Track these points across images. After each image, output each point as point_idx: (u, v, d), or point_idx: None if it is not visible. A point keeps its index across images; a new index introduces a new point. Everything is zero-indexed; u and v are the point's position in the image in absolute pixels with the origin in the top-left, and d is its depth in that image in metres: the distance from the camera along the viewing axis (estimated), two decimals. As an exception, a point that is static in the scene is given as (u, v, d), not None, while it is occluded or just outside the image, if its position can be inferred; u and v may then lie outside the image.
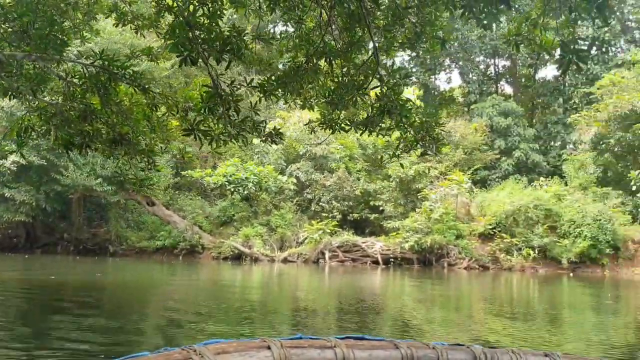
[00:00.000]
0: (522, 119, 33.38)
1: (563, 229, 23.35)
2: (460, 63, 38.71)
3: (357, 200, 26.52)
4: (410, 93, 30.85)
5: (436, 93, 39.20)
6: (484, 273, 22.36)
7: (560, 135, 34.04)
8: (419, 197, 24.81)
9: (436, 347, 2.46)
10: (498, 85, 41.63)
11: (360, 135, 6.99)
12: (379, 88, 6.15)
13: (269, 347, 2.00)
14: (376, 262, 23.27)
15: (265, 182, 26.06)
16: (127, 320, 8.97)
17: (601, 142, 27.10)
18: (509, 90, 41.91)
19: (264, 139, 6.59)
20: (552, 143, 34.89)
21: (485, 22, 5.81)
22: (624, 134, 26.09)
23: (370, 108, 6.34)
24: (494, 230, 23.64)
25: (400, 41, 6.77)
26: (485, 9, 5.79)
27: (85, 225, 28.61)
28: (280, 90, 6.93)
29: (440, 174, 26.24)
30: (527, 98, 41.06)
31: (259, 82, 6.82)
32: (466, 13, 5.82)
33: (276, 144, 6.94)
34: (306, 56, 6.89)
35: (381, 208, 25.81)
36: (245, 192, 25.81)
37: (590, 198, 24.96)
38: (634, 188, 25.03)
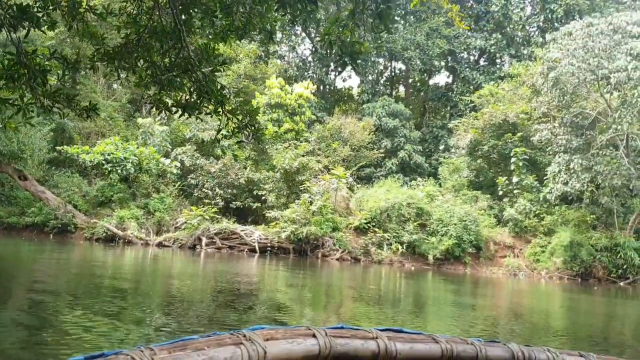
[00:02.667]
0: (409, 122, 34.81)
1: (432, 227, 24.71)
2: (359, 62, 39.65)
3: (242, 189, 26.59)
4: (305, 87, 31.34)
5: (330, 89, 39.95)
6: (355, 265, 23.23)
7: (444, 140, 35.86)
8: (301, 189, 25.26)
9: (474, 343, 2.42)
10: (393, 87, 43.13)
11: (179, 117, 7.05)
12: (199, 72, 6.28)
13: (314, 335, 2.02)
14: (253, 251, 23.47)
15: (147, 163, 25.47)
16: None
17: (476, 148, 28.87)
18: (403, 93, 43.55)
19: (78, 113, 6.52)
20: (436, 146, 36.69)
21: (298, 19, 6.10)
22: (496, 142, 27.96)
23: (188, 92, 6.44)
24: (369, 224, 24.57)
25: (229, 30, 6.92)
26: (299, 6, 6.08)
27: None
28: (108, 65, 6.92)
29: (325, 168, 26.88)
30: (419, 102, 42.91)
31: (90, 54, 6.77)
32: (280, 9, 6.08)
33: (91, 119, 6.86)
34: (137, 34, 6.92)
35: (264, 198, 26.06)
36: (124, 173, 25.09)
37: (461, 200, 26.57)
38: (500, 193, 26.93)
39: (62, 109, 6.49)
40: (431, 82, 42.85)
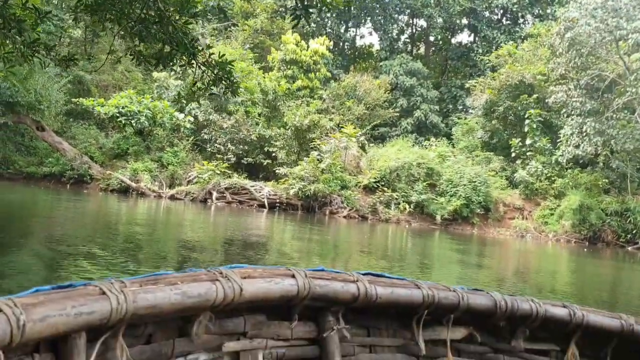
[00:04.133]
0: (427, 81, 34.39)
1: (441, 187, 24.73)
2: (379, 18, 38.98)
3: (253, 145, 26.84)
4: (320, 43, 31.07)
5: (347, 46, 39.49)
6: (362, 222, 23.49)
7: (462, 100, 35.41)
8: (311, 146, 25.40)
9: (457, 290, 2.40)
10: (414, 45, 42.44)
11: (155, 69, 7.19)
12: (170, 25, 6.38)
13: (293, 276, 1.97)
14: (262, 206, 23.85)
15: (160, 117, 25.81)
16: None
17: (491, 109, 28.51)
18: (423, 51, 42.84)
19: (57, 63, 6.71)
20: (454, 106, 36.27)
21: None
22: (512, 103, 27.55)
23: (162, 43, 6.56)
24: (378, 184, 24.70)
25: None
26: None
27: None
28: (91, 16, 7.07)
29: (337, 127, 26.89)
30: (440, 60, 42.22)
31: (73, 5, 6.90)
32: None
33: (68, 68, 7.05)
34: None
35: (274, 154, 26.28)
36: (138, 126, 25.49)
37: (473, 161, 26.43)
38: (513, 155, 26.71)
39: (42, 59, 6.67)
40: (453, 40, 42.03)
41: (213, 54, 6.63)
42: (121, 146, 26.35)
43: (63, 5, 17.71)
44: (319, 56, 30.63)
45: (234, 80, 6.94)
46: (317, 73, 30.59)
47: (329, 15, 37.27)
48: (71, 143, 26.27)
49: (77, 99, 26.10)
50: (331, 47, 32.66)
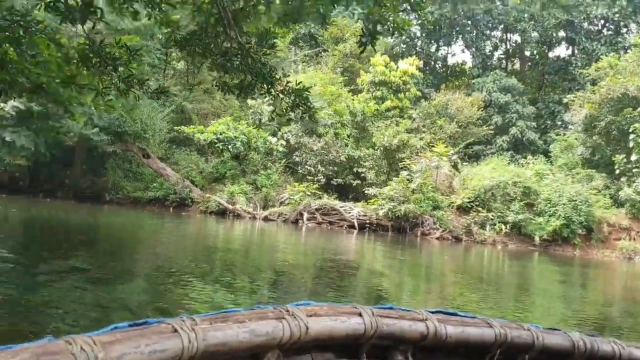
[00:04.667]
0: (522, 97, 33.30)
1: (539, 207, 23.72)
2: (471, 35, 38.35)
3: (342, 166, 27.17)
4: (410, 63, 31.08)
5: (439, 65, 39.07)
6: (456, 244, 22.98)
7: (560, 115, 33.91)
8: (400, 166, 25.32)
9: (531, 329, 2.31)
10: (508, 61, 41.28)
11: (237, 98, 7.60)
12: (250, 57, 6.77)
13: (360, 314, 1.97)
14: (352, 227, 24.01)
15: (255, 142, 26.84)
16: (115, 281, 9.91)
17: (592, 124, 27.08)
18: (518, 66, 41.53)
19: (150, 96, 7.29)
20: (553, 122, 34.77)
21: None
22: (614, 117, 26.04)
23: (244, 74, 6.96)
24: (472, 203, 24.10)
25: (285, 14, 7.32)
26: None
27: (87, 173, 29.86)
28: (180, 51, 7.66)
29: (427, 145, 26.65)
30: (536, 75, 40.75)
31: (162, 42, 7.51)
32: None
33: (159, 99, 7.62)
34: (205, 21, 7.55)
35: (363, 175, 26.44)
36: (235, 151, 26.66)
37: (573, 179, 25.17)
38: (617, 172, 25.15)
39: (136, 92, 7.28)
40: (550, 54, 40.42)
41: (290, 82, 6.92)
42: (219, 170, 27.64)
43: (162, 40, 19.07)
44: (409, 76, 30.61)
45: (311, 106, 7.20)
46: (407, 93, 30.55)
47: (418, 35, 37.22)
48: (174, 168, 27.90)
49: (179, 127, 27.75)
50: (421, 66, 32.53)
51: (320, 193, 25.42)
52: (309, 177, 26.58)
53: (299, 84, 7.07)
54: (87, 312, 7.76)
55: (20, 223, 18.57)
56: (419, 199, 23.63)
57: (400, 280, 13.53)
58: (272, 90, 6.99)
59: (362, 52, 5.66)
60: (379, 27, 6.34)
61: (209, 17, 7.50)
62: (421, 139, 26.70)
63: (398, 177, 24.59)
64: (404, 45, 36.27)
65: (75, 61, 6.77)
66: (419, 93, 31.80)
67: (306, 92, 7.08)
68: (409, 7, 6.35)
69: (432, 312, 2.18)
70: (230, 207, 25.34)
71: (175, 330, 1.52)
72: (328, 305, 1.97)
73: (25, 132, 25.62)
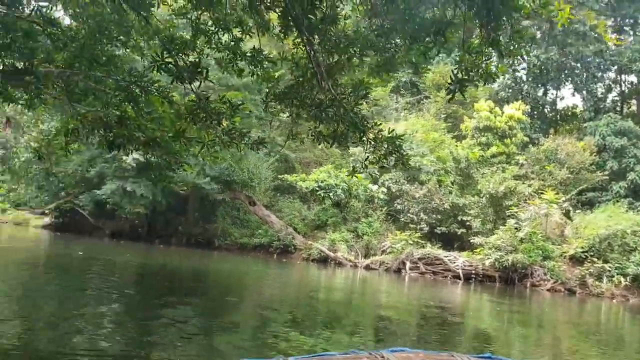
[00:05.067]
0: (640, 140, 31.12)
1: (664, 258, 21.72)
2: (581, 77, 36.71)
3: (446, 214, 26.58)
4: (516, 108, 30.28)
5: (547, 109, 37.58)
6: (569, 297, 21.52)
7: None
8: (508, 214, 24.35)
9: None
10: (624, 103, 38.92)
11: (331, 146, 7.81)
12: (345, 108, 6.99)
13: None
14: (457, 277, 23.26)
15: (355, 189, 27.07)
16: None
17: None
18: (635, 108, 38.98)
19: (250, 147, 7.69)
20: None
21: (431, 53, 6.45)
22: None
23: (336, 123, 7.17)
24: (586, 253, 22.54)
25: (378, 65, 7.52)
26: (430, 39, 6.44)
27: (200, 220, 31.46)
28: (278, 103, 8.10)
29: (536, 192, 25.50)
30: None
31: (262, 97, 7.96)
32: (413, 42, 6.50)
33: (260, 151, 7.98)
34: (302, 75, 7.94)
35: (469, 223, 25.68)
36: (336, 198, 27.02)
37: None
38: None
39: (237, 144, 7.72)
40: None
41: (382, 130, 7.03)
42: (321, 218, 28.07)
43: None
44: (515, 121, 29.75)
45: (404, 154, 7.24)
46: (514, 138, 29.64)
47: (524, 79, 36.24)
48: (278, 215, 28.72)
49: (283, 175, 28.68)
50: (528, 111, 31.53)
51: (423, 242, 24.96)
52: (412, 226, 26.24)
53: (391, 131, 7.16)
54: (183, 341, 8.19)
55: (138, 269, 19.88)
56: (528, 249, 22.51)
57: (508, 332, 12.88)
58: (365, 139, 7.13)
59: (450, 99, 5.66)
60: (471, 74, 6.34)
61: (305, 71, 7.86)
62: (529, 185, 25.63)
63: (505, 225, 23.63)
64: (510, 90, 35.38)
65: (185, 116, 7.31)
66: (526, 138, 30.74)
67: (399, 140, 7.14)
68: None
69: None
70: (331, 254, 25.53)
71: None
72: (423, 352, 1.95)
73: (144, 182, 27.65)
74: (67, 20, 9.68)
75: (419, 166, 27.68)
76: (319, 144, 8.01)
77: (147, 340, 8.43)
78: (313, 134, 7.94)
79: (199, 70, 6.49)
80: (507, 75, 34.71)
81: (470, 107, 32.87)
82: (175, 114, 8.70)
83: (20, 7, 7.72)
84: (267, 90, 8.10)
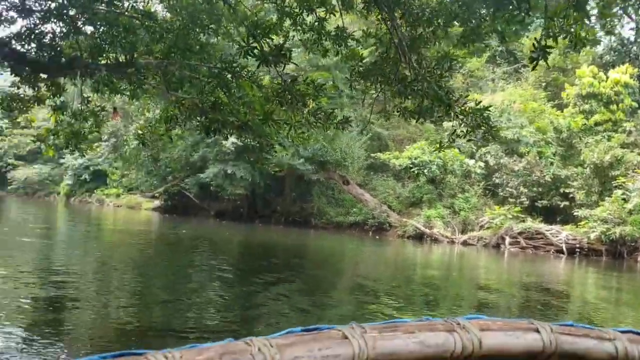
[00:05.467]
0: None
1: None
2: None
3: (547, 187, 25.47)
4: (622, 72, 28.35)
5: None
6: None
7: None
8: (614, 185, 22.97)
9: None
10: None
11: (417, 122, 7.80)
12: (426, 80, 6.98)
13: (537, 330, 1.80)
14: (560, 252, 22.36)
15: (451, 165, 26.61)
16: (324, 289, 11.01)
17: None
18: None
19: (336, 126, 7.87)
20: None
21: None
22: None
23: (421, 98, 7.17)
24: None
25: (462, 36, 7.42)
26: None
27: (297, 200, 32.32)
28: (362, 81, 8.23)
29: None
30: None
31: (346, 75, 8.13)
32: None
33: (350, 130, 8.13)
34: (385, 51, 8.00)
35: (571, 195, 24.49)
36: (430, 175, 26.72)
37: None
38: None
39: (324, 124, 7.93)
40: None
41: (467, 103, 6.95)
42: (415, 195, 27.91)
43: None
44: (622, 86, 27.79)
45: (492, 125, 7.12)
46: (620, 104, 27.74)
47: (632, 40, 33.66)
48: (372, 194, 28.88)
49: (376, 154, 28.72)
50: (637, 74, 29.30)
51: (523, 216, 24.16)
52: (511, 200, 25.45)
53: (478, 103, 7.06)
54: (287, 315, 8.61)
55: (240, 246, 20.91)
56: (637, 220, 21.17)
57: (617, 306, 12.32)
58: (451, 112, 7.07)
59: (533, 68, 5.50)
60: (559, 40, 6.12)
61: (388, 47, 7.91)
62: (639, 154, 23.98)
63: (611, 196, 22.34)
64: (615, 53, 32.97)
65: (272, 99, 7.62)
66: (634, 104, 28.65)
67: (487, 112, 7.03)
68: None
69: (622, 332, 1.85)
70: (427, 231, 25.37)
71: (346, 337, 1.50)
72: (502, 320, 1.77)
73: (243, 165, 28.81)
74: (161, 13, 10.29)
75: (517, 138, 26.71)
76: (405, 120, 8.04)
77: (251, 313, 8.96)
78: (398, 109, 7.99)
79: (283, 53, 6.74)
80: (611, 37, 32.35)
81: (572, 73, 31.08)
82: (265, 97, 9.05)
83: (120, 3, 8.32)
84: (352, 68, 8.22)
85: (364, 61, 8.71)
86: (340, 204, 30.71)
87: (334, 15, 8.49)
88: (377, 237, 26.54)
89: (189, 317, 8.40)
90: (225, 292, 10.79)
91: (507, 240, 23.42)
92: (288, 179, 31.45)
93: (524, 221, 23.83)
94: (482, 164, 26.95)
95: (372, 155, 29.11)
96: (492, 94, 31.02)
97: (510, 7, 6.26)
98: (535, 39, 5.28)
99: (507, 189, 25.98)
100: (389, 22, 7.42)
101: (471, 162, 27.02)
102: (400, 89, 7.11)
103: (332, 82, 24.91)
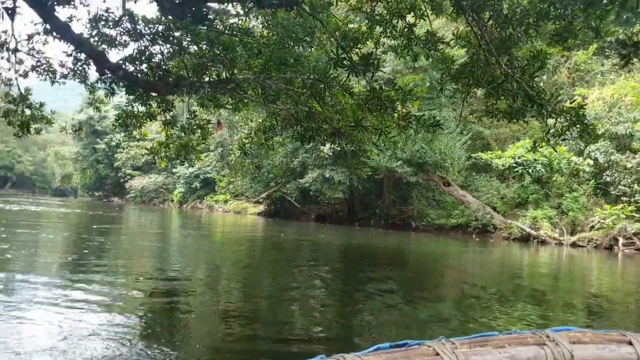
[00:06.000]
0: None
1: None
2: None
3: (666, 184, 23.72)
4: None
5: None
6: None
7: None
8: None
9: None
10: None
11: (509, 122, 7.70)
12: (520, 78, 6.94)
13: (630, 343, 1.74)
14: (683, 254, 20.76)
15: (557, 163, 25.47)
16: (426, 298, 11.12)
17: None
18: None
19: (427, 129, 7.98)
20: None
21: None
22: None
23: (513, 98, 7.13)
24: None
25: (555, 34, 7.28)
26: None
27: (396, 203, 32.37)
28: (453, 83, 8.30)
29: None
30: None
31: (439, 78, 8.23)
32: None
33: (434, 131, 8.19)
34: (475, 53, 8.03)
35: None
36: (535, 174, 25.74)
37: None
38: None
39: (414, 127, 8.09)
40: None
41: (560, 101, 6.83)
42: (521, 195, 26.98)
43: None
44: None
45: (587, 124, 6.92)
46: None
47: None
48: (474, 195, 28.27)
49: (477, 154, 28.09)
50: None
51: (638, 216, 22.65)
52: (624, 199, 23.92)
53: (572, 101, 6.91)
54: (391, 328, 8.66)
55: (340, 248, 21.30)
56: None
57: None
58: (543, 112, 6.98)
59: (624, 65, 5.33)
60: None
61: (478, 48, 7.92)
62: None
63: None
64: None
65: (362, 106, 7.90)
66: None
67: (582, 110, 6.86)
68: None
69: None
70: (534, 232, 24.45)
71: (437, 354, 1.51)
72: (591, 331, 1.81)
73: (340, 169, 29.33)
74: (258, 29, 10.90)
75: (630, 133, 25.06)
76: (498, 121, 8.00)
77: (353, 309, 9.22)
78: (490, 110, 7.97)
79: (371, 62, 6.98)
80: None
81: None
82: (356, 104, 9.36)
83: (220, 23, 8.97)
84: (443, 71, 8.31)
85: (455, 63, 8.77)
86: (441, 206, 30.36)
87: (424, 20, 8.63)
88: (478, 239, 25.93)
89: (293, 309, 8.77)
90: (328, 291, 11.07)
91: (621, 241, 22.06)
92: (386, 182, 31.54)
93: (639, 221, 22.35)
94: (591, 162, 25.56)
95: (473, 155, 28.50)
96: (600, 87, 29.32)
97: (604, 2, 6.12)
98: (625, 34, 5.14)
99: (620, 187, 24.46)
100: (475, 27, 7.45)
101: (578, 160, 25.71)
102: (490, 90, 7.11)
103: (429, 84, 24.85)
